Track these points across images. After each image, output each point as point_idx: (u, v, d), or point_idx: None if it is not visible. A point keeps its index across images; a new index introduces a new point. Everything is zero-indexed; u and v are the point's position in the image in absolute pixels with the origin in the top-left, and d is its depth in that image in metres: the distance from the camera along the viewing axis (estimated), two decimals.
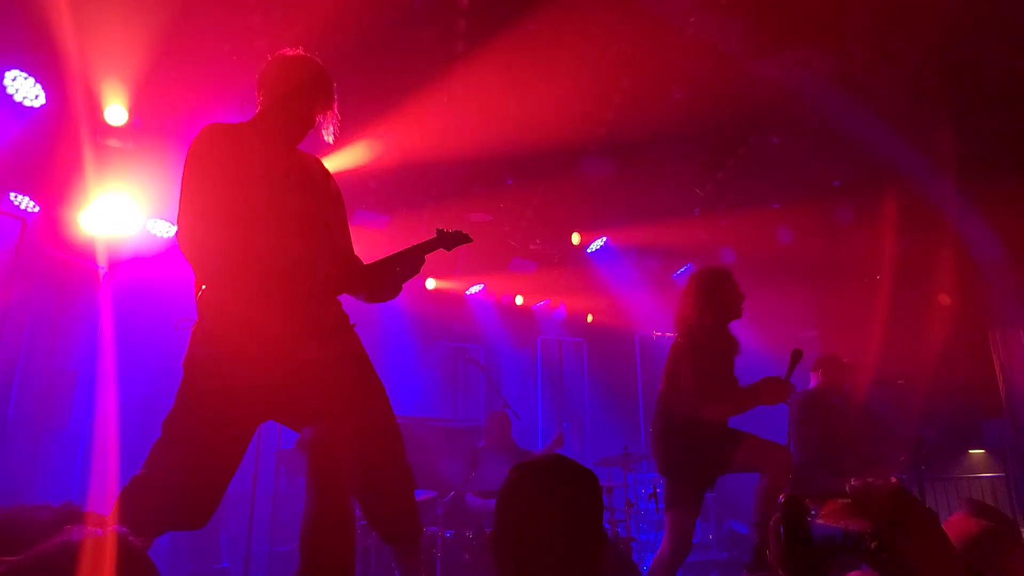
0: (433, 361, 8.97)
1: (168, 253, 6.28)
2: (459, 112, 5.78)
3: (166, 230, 6.30)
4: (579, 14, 4.90)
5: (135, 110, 5.40)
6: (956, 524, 1.85)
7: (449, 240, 2.92)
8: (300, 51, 2.81)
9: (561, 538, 1.49)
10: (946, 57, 5.01)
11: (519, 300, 9.16)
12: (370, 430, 2.60)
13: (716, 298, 3.93)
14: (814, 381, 5.35)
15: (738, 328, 3.97)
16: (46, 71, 5.04)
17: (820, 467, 4.85)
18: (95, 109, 5.23)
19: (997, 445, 7.07)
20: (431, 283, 8.38)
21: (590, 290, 8.88)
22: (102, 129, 5.38)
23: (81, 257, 6.10)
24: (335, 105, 2.80)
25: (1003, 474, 7.14)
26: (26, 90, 5.08)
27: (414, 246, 2.82)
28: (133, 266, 6.30)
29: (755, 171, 6.86)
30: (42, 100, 5.13)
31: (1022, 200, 5.64)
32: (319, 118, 2.78)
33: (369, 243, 6.71)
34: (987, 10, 4.41)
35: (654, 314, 9.03)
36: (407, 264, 2.75)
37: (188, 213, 2.50)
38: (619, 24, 5.04)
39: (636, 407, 9.53)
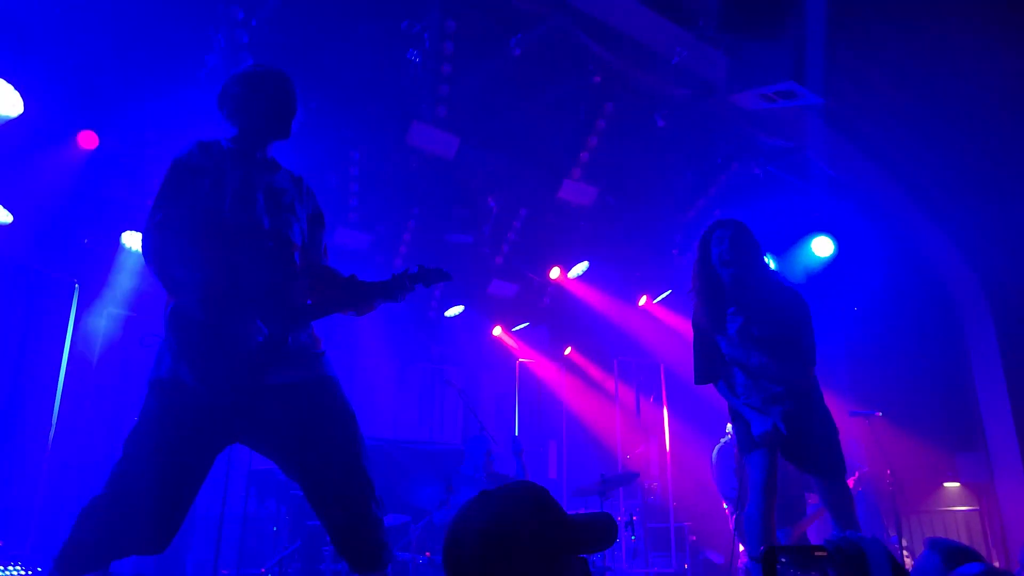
0: (411, 383, 8.89)
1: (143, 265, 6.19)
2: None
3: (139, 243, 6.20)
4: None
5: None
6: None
7: (428, 277, 2.93)
8: (261, 65, 2.80)
9: (476, 557, 1.47)
10: None
11: (497, 329, 9.12)
12: (335, 457, 2.56)
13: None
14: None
15: None
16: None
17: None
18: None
19: (972, 480, 7.10)
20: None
21: (569, 313, 8.86)
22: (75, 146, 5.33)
23: (54, 269, 6.00)
24: (297, 109, 2.78)
25: (977, 508, 7.19)
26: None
27: (392, 278, 2.83)
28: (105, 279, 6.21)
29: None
30: (20, 109, 5.06)
31: None
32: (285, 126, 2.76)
33: (348, 263, 6.70)
34: None
35: (633, 339, 9.02)
36: (382, 294, 2.76)
37: (156, 223, 2.45)
38: (604, 52, 5.08)
39: (614, 433, 9.47)
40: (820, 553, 1.22)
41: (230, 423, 2.48)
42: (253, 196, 2.61)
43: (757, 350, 3.61)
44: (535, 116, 5.80)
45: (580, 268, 8.20)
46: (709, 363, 3.73)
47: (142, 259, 2.57)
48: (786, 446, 3.56)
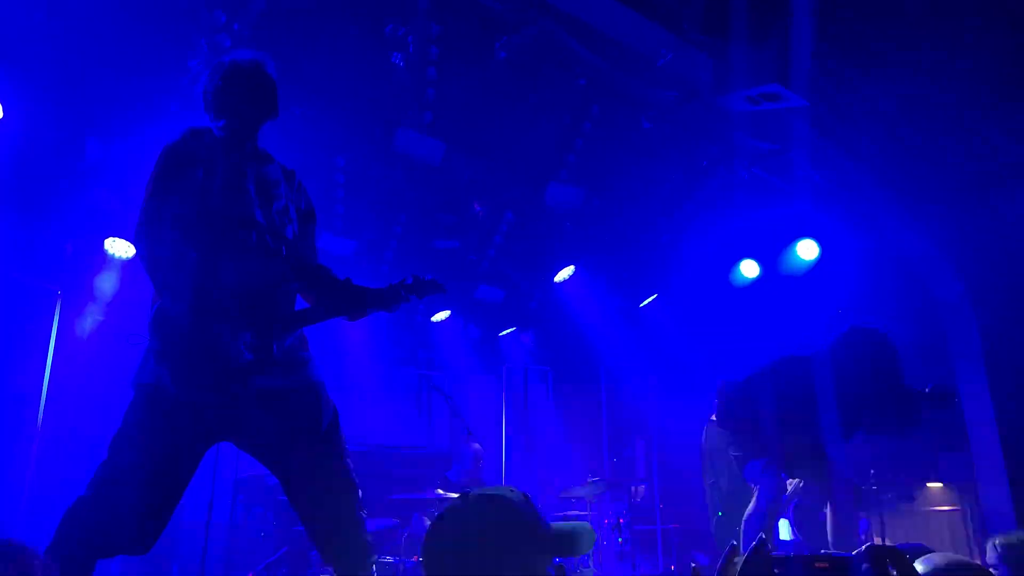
0: (398, 388, 8.87)
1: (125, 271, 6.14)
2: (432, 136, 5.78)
3: (124, 250, 6.14)
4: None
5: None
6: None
7: (422, 288, 2.91)
8: (234, 55, 2.73)
9: (454, 556, 1.50)
10: None
11: (483, 328, 9.10)
12: (316, 462, 2.55)
13: None
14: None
15: None
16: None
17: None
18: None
19: (955, 479, 7.14)
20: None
21: (557, 319, 8.87)
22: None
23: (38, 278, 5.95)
24: (277, 99, 2.70)
25: (959, 508, 7.23)
26: None
27: (388, 287, 2.81)
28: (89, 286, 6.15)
29: None
30: None
31: None
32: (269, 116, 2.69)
33: (334, 269, 6.67)
34: None
35: (620, 344, 9.05)
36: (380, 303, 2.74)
37: (151, 218, 2.41)
38: (589, 55, 5.10)
39: (600, 438, 9.48)
40: (822, 563, 1.21)
41: (214, 425, 2.47)
42: (244, 187, 2.56)
43: None
44: (520, 119, 5.82)
45: (566, 272, 8.20)
46: None
47: (135, 255, 2.52)
48: None
